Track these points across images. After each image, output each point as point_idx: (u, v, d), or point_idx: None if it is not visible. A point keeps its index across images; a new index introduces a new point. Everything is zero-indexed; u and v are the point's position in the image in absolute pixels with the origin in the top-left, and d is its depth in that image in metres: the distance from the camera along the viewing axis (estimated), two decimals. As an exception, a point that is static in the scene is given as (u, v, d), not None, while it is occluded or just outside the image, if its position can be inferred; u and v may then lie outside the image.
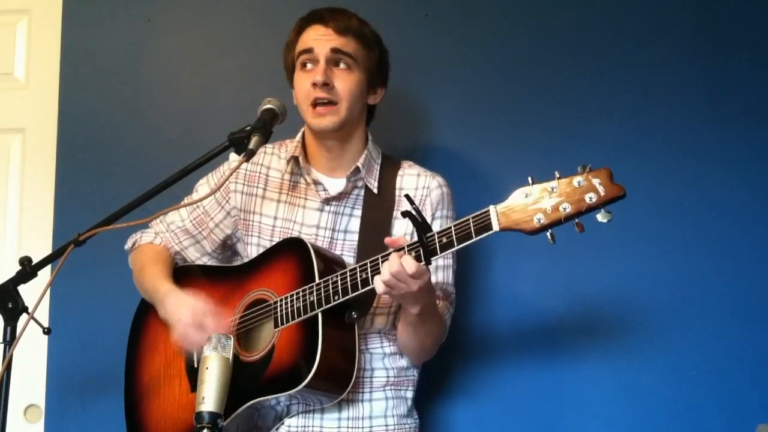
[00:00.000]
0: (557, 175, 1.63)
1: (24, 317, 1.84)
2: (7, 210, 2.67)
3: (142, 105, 2.67)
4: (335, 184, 2.08)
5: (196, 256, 2.18)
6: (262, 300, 1.96)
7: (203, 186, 2.17)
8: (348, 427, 1.96)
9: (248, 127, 1.88)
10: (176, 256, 2.18)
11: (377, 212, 2.04)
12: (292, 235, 2.03)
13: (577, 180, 1.62)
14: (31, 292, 1.88)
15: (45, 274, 1.95)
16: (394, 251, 1.77)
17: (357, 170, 2.06)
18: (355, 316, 1.88)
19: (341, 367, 1.88)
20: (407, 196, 1.75)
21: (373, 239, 1.97)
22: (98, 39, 2.71)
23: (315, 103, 2.00)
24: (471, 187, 2.34)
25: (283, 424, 1.97)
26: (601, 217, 1.60)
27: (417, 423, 2.09)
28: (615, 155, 2.37)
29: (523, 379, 2.32)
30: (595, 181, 1.60)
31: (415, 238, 1.75)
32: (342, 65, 2.02)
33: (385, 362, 2.03)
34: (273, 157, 2.15)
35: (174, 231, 2.17)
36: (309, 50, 2.02)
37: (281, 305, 1.91)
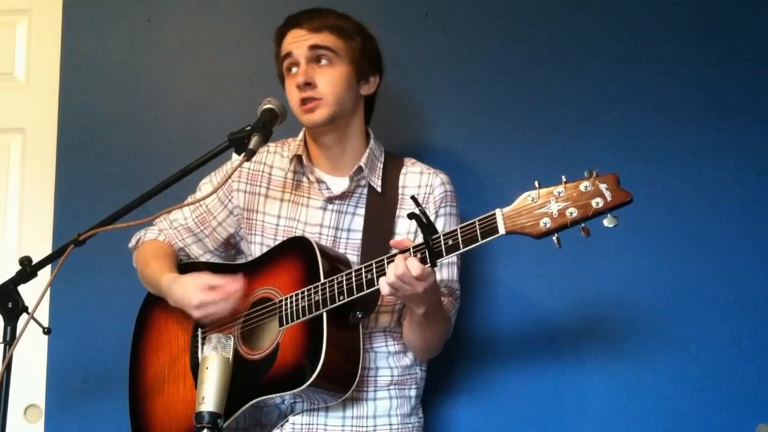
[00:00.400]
0: (564, 179, 1.64)
1: (24, 317, 1.84)
2: (7, 210, 2.66)
3: (142, 105, 2.67)
4: (338, 183, 2.08)
5: (198, 253, 2.19)
6: (267, 298, 1.96)
7: (206, 185, 2.17)
8: (352, 426, 1.96)
9: (248, 127, 1.88)
10: (180, 252, 2.19)
11: (380, 211, 2.04)
12: (297, 234, 2.04)
13: (584, 185, 1.62)
14: (31, 292, 1.87)
15: (45, 274, 1.95)
16: (399, 253, 1.77)
17: (360, 169, 2.06)
18: (360, 316, 1.88)
19: (345, 367, 1.88)
20: (413, 198, 1.75)
21: (377, 238, 1.98)
22: (98, 39, 2.71)
23: (302, 102, 2.01)
24: (471, 186, 2.34)
25: (287, 421, 1.97)
26: (607, 222, 1.60)
27: (421, 422, 2.09)
28: (615, 154, 2.38)
29: (526, 379, 2.32)
30: (602, 186, 1.60)
31: (419, 237, 1.75)
32: (323, 61, 2.02)
33: (390, 361, 2.03)
34: (276, 156, 2.16)
35: (177, 228, 2.18)
36: (289, 54, 2.04)
37: (286, 304, 1.91)
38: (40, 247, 2.50)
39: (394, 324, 2.04)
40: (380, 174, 2.08)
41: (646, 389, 2.28)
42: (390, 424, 2.00)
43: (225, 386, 1.73)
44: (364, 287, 1.82)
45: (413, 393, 2.07)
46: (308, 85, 1.99)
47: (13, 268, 1.91)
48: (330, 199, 2.07)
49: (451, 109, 2.52)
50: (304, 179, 2.11)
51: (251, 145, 1.85)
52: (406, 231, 2.02)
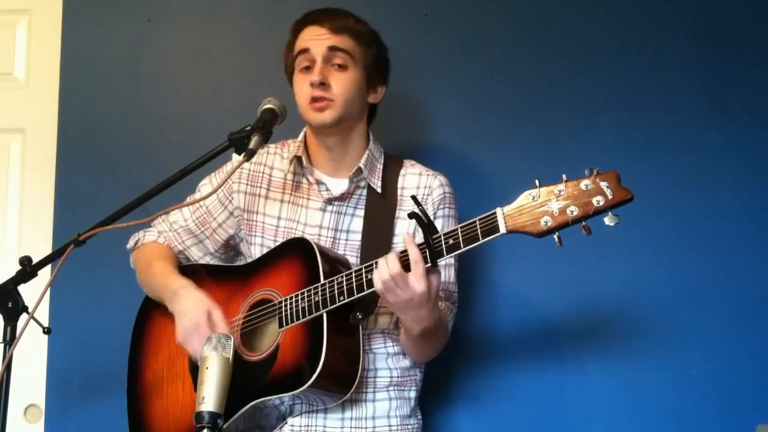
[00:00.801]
0: (564, 177, 1.63)
1: (24, 317, 1.84)
2: (7, 210, 2.67)
3: (142, 105, 2.67)
4: (338, 185, 2.08)
5: (198, 255, 2.18)
6: (267, 300, 1.96)
7: (206, 186, 2.16)
8: (351, 427, 1.96)
9: (248, 127, 1.88)
10: (179, 255, 2.18)
11: (380, 212, 2.04)
12: (296, 235, 2.04)
13: (584, 183, 1.62)
14: (31, 292, 1.87)
15: (45, 274, 1.94)
16: (393, 253, 1.77)
17: (359, 171, 2.06)
18: (360, 316, 1.88)
19: (345, 368, 1.88)
20: (414, 198, 1.75)
21: (376, 239, 1.98)
22: (98, 39, 2.71)
23: (313, 101, 2.00)
24: (471, 186, 2.34)
25: (286, 423, 1.97)
26: (608, 220, 1.60)
27: (420, 423, 2.08)
28: (615, 154, 2.38)
29: (526, 380, 2.32)
30: (603, 184, 1.60)
31: (419, 237, 1.75)
32: (339, 64, 2.02)
33: (389, 362, 2.03)
34: (276, 157, 2.15)
35: (177, 230, 2.17)
36: (306, 50, 2.03)
37: (286, 305, 1.91)
38: (40, 247, 2.50)
39: (392, 326, 2.03)
40: (380, 175, 2.08)
41: (647, 390, 2.28)
42: (389, 426, 2.00)
43: (225, 386, 1.72)
44: (364, 288, 1.82)
45: (413, 394, 2.06)
46: (323, 84, 1.99)
47: (13, 268, 1.91)
48: (329, 201, 2.06)
49: (451, 109, 2.52)
50: (304, 180, 2.10)
51: (251, 145, 1.85)
52: (405, 232, 2.01)
